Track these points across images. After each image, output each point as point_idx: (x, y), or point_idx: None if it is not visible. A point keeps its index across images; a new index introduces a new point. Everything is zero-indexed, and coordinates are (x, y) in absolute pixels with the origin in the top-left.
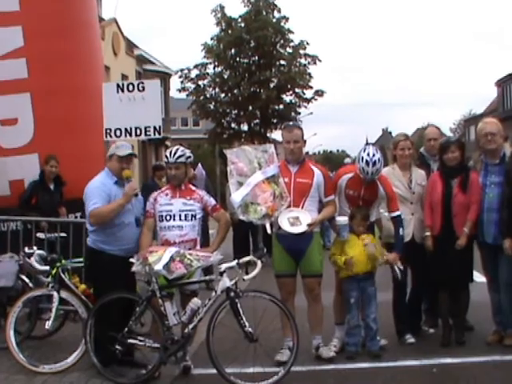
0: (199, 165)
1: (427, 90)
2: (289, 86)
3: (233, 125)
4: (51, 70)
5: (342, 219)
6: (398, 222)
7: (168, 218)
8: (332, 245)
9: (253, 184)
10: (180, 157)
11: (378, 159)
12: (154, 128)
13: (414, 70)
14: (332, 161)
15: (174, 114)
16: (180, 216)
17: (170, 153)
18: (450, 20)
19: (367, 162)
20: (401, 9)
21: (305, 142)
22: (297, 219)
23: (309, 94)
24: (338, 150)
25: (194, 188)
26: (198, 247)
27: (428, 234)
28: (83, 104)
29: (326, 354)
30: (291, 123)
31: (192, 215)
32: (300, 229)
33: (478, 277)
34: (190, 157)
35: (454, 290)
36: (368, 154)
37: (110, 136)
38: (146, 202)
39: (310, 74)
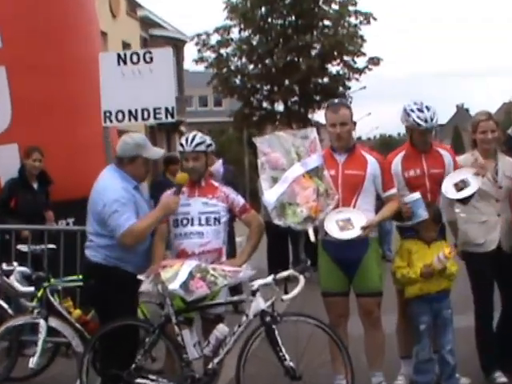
0: (219, 161)
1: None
2: (335, 53)
3: (265, 104)
4: (32, 38)
5: (411, 196)
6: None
7: (185, 222)
8: (395, 255)
9: (290, 179)
10: (199, 144)
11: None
12: (166, 110)
13: (497, 30)
14: (391, 147)
15: (189, 92)
16: (200, 220)
17: (187, 140)
18: None
19: (419, 109)
20: None
21: (355, 123)
22: (348, 222)
23: (361, 62)
24: (399, 134)
25: (216, 184)
26: (224, 259)
27: None
28: (74, 81)
29: None
30: (337, 101)
31: (215, 218)
32: (352, 234)
33: None
34: (210, 145)
35: None
36: (414, 103)
37: (110, 121)
38: (157, 204)
39: (362, 37)
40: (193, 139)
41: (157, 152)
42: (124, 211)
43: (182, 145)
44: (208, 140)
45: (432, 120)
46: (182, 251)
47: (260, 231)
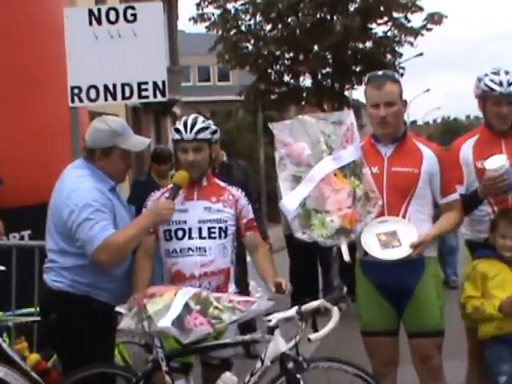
0: (223, 155)
1: None
2: (381, 9)
3: (286, 77)
4: None
5: (498, 160)
6: None
7: (181, 234)
8: (465, 280)
9: (318, 179)
10: (202, 130)
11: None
12: (155, 85)
13: None
14: (457, 134)
15: (185, 61)
16: (201, 231)
17: (185, 125)
18: None
19: (494, 73)
20: None
21: (405, 103)
22: (393, 236)
23: (416, 20)
24: (468, 117)
25: (222, 183)
26: (232, 285)
27: None
28: (27, 46)
29: None
30: (381, 73)
31: (221, 229)
32: (398, 253)
33: None
34: (216, 131)
35: None
36: (489, 70)
37: (80, 99)
38: (140, 212)
39: None
40: (193, 124)
41: (140, 142)
42: (98, 219)
43: (178, 131)
44: (212, 125)
45: (510, 85)
46: (178, 273)
47: (271, 258)
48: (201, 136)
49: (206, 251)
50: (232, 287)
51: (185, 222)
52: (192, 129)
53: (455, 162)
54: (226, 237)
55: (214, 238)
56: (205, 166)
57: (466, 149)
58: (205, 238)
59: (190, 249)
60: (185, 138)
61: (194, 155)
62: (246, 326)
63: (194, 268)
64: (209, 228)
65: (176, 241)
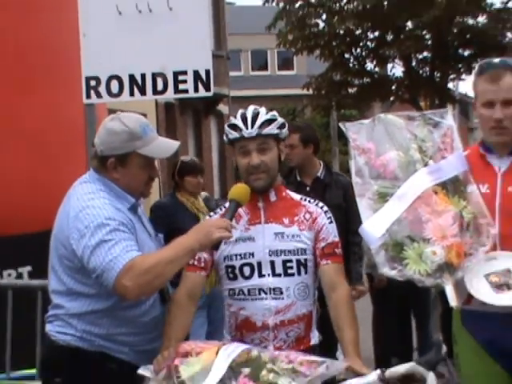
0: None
1: None
2: None
3: (369, 65)
4: None
5: None
6: None
7: (248, 271)
8: None
9: (412, 197)
10: (267, 123)
11: None
12: (196, 76)
13: None
14: None
15: (236, 43)
16: (273, 266)
17: (245, 118)
18: None
19: None
20: None
21: None
22: (508, 276)
23: None
24: None
25: (295, 196)
26: (316, 335)
27: None
28: (31, 24)
29: None
30: (497, 60)
31: (299, 261)
32: None
33: None
34: (284, 125)
35: None
36: None
37: (98, 95)
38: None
39: None
40: (255, 116)
41: (166, 146)
42: (117, 239)
43: (235, 127)
44: (279, 117)
45: None
46: (246, 322)
47: (354, 310)
48: (266, 131)
49: (282, 293)
50: (315, 337)
51: (252, 255)
52: (254, 122)
53: None
54: (306, 272)
55: (292, 274)
56: (273, 172)
57: None
58: (280, 275)
59: (261, 290)
60: (246, 135)
61: (259, 157)
62: None
63: (267, 315)
64: (283, 262)
65: (242, 280)
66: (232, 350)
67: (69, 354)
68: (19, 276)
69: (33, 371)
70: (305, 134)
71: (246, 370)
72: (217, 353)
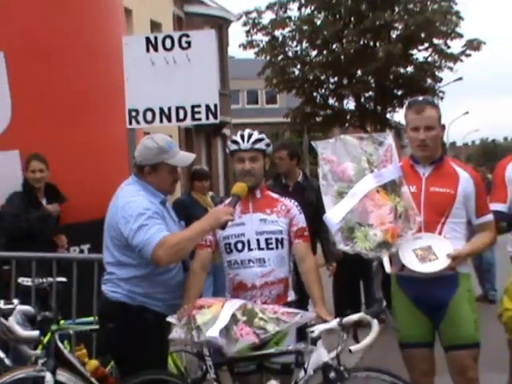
0: None
1: None
2: (422, 36)
3: (331, 101)
4: (33, 15)
5: None
6: None
7: (240, 246)
8: (504, 293)
9: (361, 195)
10: (258, 141)
11: None
12: (207, 108)
13: None
14: (496, 156)
15: (235, 85)
16: (259, 242)
17: (242, 136)
18: None
19: None
20: None
21: (444, 127)
22: (429, 251)
23: (456, 46)
24: (505, 139)
25: (274, 195)
26: (291, 292)
27: None
28: (88, 70)
29: None
30: (421, 98)
31: (277, 240)
32: (436, 266)
33: None
34: (269, 144)
35: None
36: None
37: (137, 122)
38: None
39: (457, 14)
40: (250, 135)
41: (185, 157)
42: (152, 224)
43: (235, 142)
44: (266, 138)
45: None
46: (240, 284)
47: (317, 275)
48: (257, 146)
49: (265, 262)
50: (291, 295)
51: (243, 235)
52: (249, 139)
53: (501, 181)
54: (282, 247)
55: (272, 248)
56: (260, 176)
57: (510, 170)
58: (263, 249)
59: (250, 260)
60: (242, 147)
61: (250, 164)
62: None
63: (255, 278)
64: (266, 239)
65: (236, 253)
66: (233, 304)
67: (118, 307)
68: (81, 251)
69: (91, 319)
70: (291, 150)
71: (243, 318)
72: (222, 306)
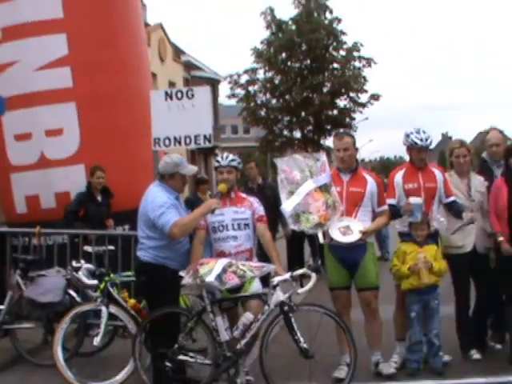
0: None
1: (490, 92)
2: (343, 91)
3: (285, 132)
4: (96, 78)
5: (416, 199)
6: (455, 207)
7: (221, 228)
8: (393, 255)
9: (304, 193)
10: (233, 160)
11: (424, 130)
12: (204, 136)
13: (476, 71)
14: (389, 168)
15: (223, 122)
16: (233, 226)
17: (222, 157)
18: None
19: (417, 131)
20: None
21: (357, 149)
22: (347, 228)
23: (364, 98)
24: (395, 157)
25: (244, 195)
26: (255, 258)
27: (502, 238)
28: (130, 112)
29: (386, 370)
30: (341, 131)
31: (245, 224)
32: (352, 238)
33: None
34: (240, 163)
35: None
36: (414, 128)
37: (159, 145)
38: None
39: (364, 78)
40: (227, 156)
41: (191, 169)
42: (169, 212)
43: (218, 161)
44: (238, 159)
45: (427, 140)
46: (221, 252)
47: (273, 244)
48: (231, 163)
49: (237, 238)
50: (255, 260)
51: (223, 221)
52: (226, 159)
53: (392, 185)
54: (249, 228)
55: (242, 229)
56: (233, 183)
57: (398, 178)
58: (236, 229)
59: (227, 237)
60: (222, 164)
61: (227, 175)
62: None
63: (230, 249)
64: (238, 224)
65: (219, 233)
66: (223, 261)
67: (147, 266)
68: (124, 229)
69: (130, 273)
70: (256, 162)
71: (230, 269)
72: (216, 262)
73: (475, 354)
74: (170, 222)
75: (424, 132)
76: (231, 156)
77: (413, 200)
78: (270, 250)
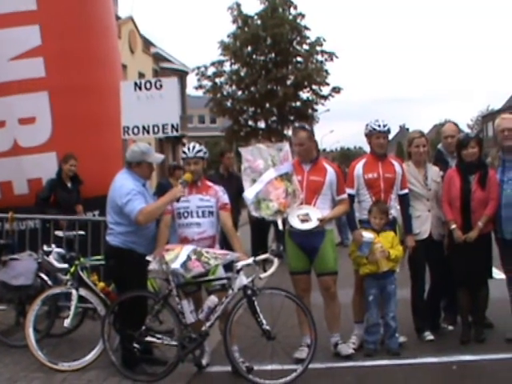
0: None
1: (444, 86)
2: (305, 83)
3: (250, 122)
4: (68, 68)
5: (368, 236)
6: (405, 200)
7: (186, 214)
8: (352, 242)
9: (266, 181)
10: (199, 151)
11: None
12: (172, 126)
13: (432, 65)
14: (349, 158)
15: (190, 112)
16: (198, 213)
17: (189, 148)
18: (468, 14)
19: (376, 120)
20: (420, 2)
21: (315, 141)
22: (306, 216)
23: (326, 90)
24: (355, 147)
25: (210, 184)
26: (217, 245)
27: (454, 226)
28: (100, 102)
29: (344, 351)
30: (298, 125)
31: (209, 212)
32: (310, 225)
33: (497, 273)
34: (206, 152)
35: (474, 286)
36: (373, 120)
37: (128, 134)
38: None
39: (326, 71)
40: (193, 147)
41: (158, 157)
42: (135, 199)
43: (185, 152)
44: (204, 149)
45: (385, 127)
46: (184, 238)
47: (235, 233)
48: (198, 155)
49: (200, 225)
50: (217, 246)
51: (188, 207)
52: (193, 150)
53: (351, 175)
54: (212, 216)
55: (206, 217)
56: (199, 173)
57: (358, 167)
58: (200, 217)
59: (191, 223)
60: (189, 155)
61: (194, 166)
62: (229, 269)
63: (194, 235)
64: (202, 211)
65: (183, 219)
66: (188, 248)
67: (116, 250)
68: (93, 215)
69: (100, 257)
70: (235, 152)
71: (195, 257)
72: (181, 249)
73: (429, 336)
74: (135, 209)
75: (382, 121)
76: (197, 147)
77: (366, 235)
78: (231, 237)
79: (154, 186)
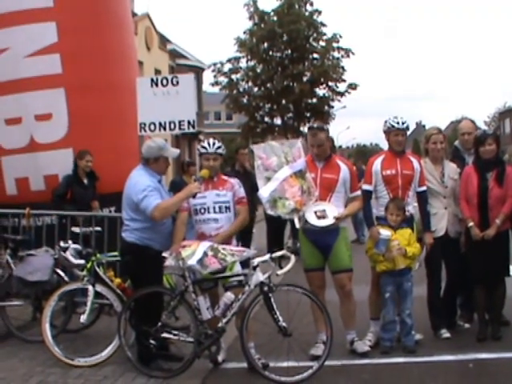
0: None
1: (462, 83)
2: (322, 80)
3: (266, 119)
4: (85, 65)
5: (385, 233)
6: (423, 197)
7: (202, 211)
8: (368, 238)
9: (280, 179)
10: (219, 148)
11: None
12: (188, 122)
13: (449, 63)
14: (366, 154)
15: (207, 108)
16: (214, 208)
17: (209, 144)
18: (484, 12)
19: (395, 117)
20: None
21: (332, 140)
22: (323, 212)
23: (342, 87)
24: (371, 144)
25: (226, 178)
26: (234, 241)
27: (471, 223)
28: (117, 99)
29: (360, 348)
30: (315, 125)
31: (226, 207)
32: (327, 222)
33: None
34: (224, 149)
35: (491, 284)
36: (391, 116)
37: (145, 130)
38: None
39: (343, 68)
40: (214, 143)
41: (174, 151)
42: (152, 195)
43: (204, 147)
44: (222, 146)
45: (403, 124)
46: (202, 234)
47: (242, 223)
48: (218, 151)
49: (218, 221)
50: (234, 242)
51: (205, 204)
52: (213, 146)
53: (369, 171)
54: (230, 211)
55: (223, 212)
56: (217, 169)
57: (377, 164)
58: (217, 212)
59: (209, 219)
60: (209, 151)
61: (213, 162)
62: (246, 265)
63: (211, 231)
64: (219, 206)
65: (200, 215)
66: (205, 244)
67: (132, 246)
68: (110, 211)
69: (116, 253)
70: (249, 149)
71: (211, 253)
72: (198, 245)
73: (445, 333)
74: (151, 205)
75: (401, 118)
76: (217, 143)
77: (383, 232)
78: (233, 223)
79: (167, 184)
